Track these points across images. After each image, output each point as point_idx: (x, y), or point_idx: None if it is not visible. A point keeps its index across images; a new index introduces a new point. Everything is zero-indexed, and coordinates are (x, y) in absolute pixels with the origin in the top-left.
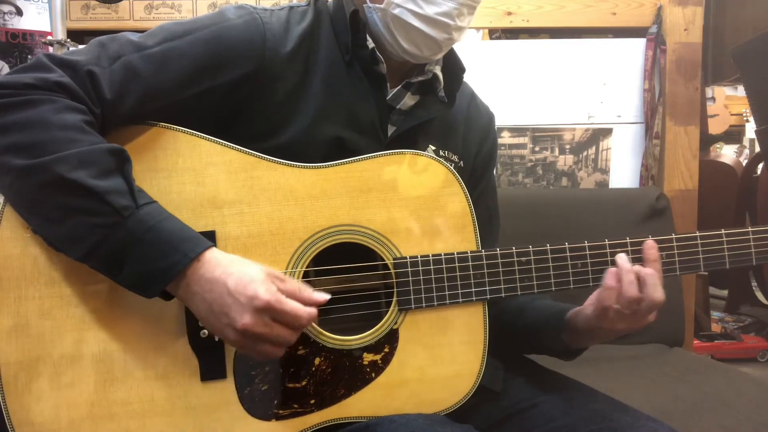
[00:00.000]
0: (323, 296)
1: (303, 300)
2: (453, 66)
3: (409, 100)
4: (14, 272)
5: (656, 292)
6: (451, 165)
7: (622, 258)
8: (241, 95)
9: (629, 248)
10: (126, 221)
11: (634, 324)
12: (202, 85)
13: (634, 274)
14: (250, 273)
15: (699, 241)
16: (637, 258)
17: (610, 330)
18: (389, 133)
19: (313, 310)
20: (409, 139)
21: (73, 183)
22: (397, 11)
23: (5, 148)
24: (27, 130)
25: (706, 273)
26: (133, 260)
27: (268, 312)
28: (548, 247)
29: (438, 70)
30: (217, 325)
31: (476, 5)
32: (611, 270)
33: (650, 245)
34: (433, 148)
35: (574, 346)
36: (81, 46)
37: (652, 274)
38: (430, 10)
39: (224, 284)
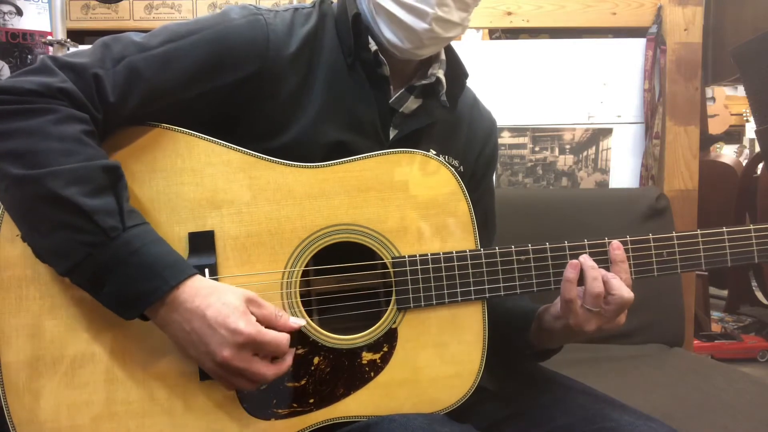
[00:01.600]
0: (299, 322)
1: (279, 327)
2: (456, 70)
3: (411, 104)
4: (15, 272)
5: (622, 290)
6: None
7: (584, 257)
8: (244, 96)
9: (629, 246)
10: (112, 242)
11: (604, 324)
12: (205, 85)
13: (598, 271)
14: (229, 303)
15: (700, 239)
16: (642, 255)
17: (579, 329)
18: (391, 137)
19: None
20: (411, 142)
21: (63, 199)
22: None
23: (4, 154)
24: (26, 139)
25: (707, 272)
26: (115, 281)
27: (250, 346)
28: (547, 245)
29: (441, 74)
30: (195, 353)
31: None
32: (572, 261)
33: (615, 246)
34: (434, 152)
35: (543, 346)
36: (82, 47)
37: (614, 276)
38: None
39: (203, 315)
